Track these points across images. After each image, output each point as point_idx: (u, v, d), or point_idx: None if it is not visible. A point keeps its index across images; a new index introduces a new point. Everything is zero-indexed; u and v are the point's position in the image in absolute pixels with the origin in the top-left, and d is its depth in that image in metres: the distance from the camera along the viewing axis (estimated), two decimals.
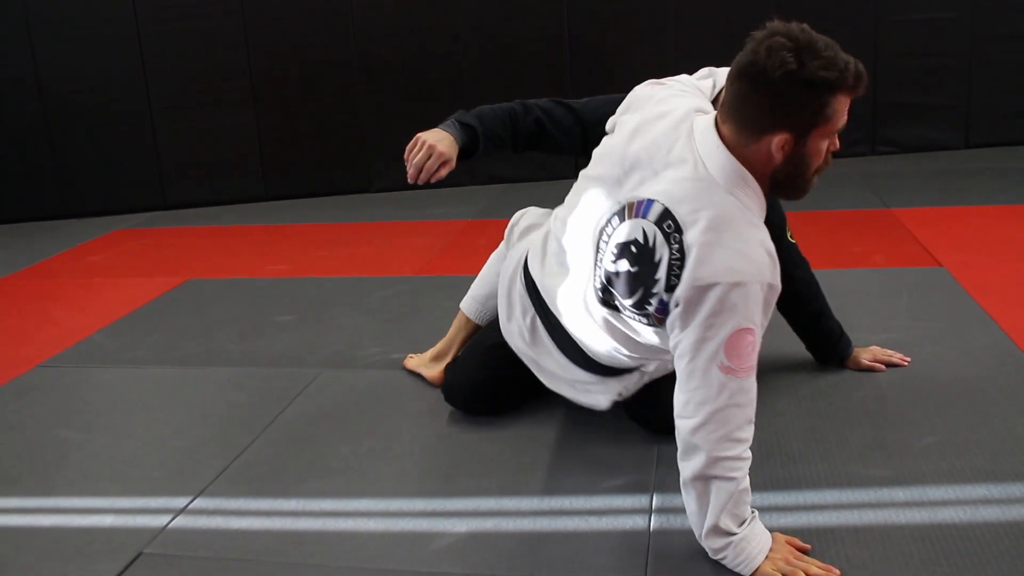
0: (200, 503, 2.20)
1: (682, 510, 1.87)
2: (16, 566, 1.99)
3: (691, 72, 2.26)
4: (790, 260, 2.42)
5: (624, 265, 1.84)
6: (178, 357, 3.23)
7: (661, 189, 1.81)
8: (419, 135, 2.36)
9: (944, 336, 2.89)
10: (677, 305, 1.73)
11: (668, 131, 1.90)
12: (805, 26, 1.75)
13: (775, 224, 2.45)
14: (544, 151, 2.53)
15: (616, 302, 1.93)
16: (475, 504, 2.10)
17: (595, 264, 1.97)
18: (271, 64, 5.84)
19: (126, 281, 4.32)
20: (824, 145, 1.79)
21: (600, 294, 1.98)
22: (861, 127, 5.91)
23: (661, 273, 1.75)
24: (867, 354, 2.71)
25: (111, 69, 5.76)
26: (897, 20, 5.82)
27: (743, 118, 1.76)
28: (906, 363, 2.71)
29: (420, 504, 2.13)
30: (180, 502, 2.20)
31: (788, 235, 2.52)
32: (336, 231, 5.12)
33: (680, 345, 1.75)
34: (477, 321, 2.72)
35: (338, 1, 5.78)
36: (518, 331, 2.35)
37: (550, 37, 5.84)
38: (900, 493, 2.03)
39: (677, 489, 1.83)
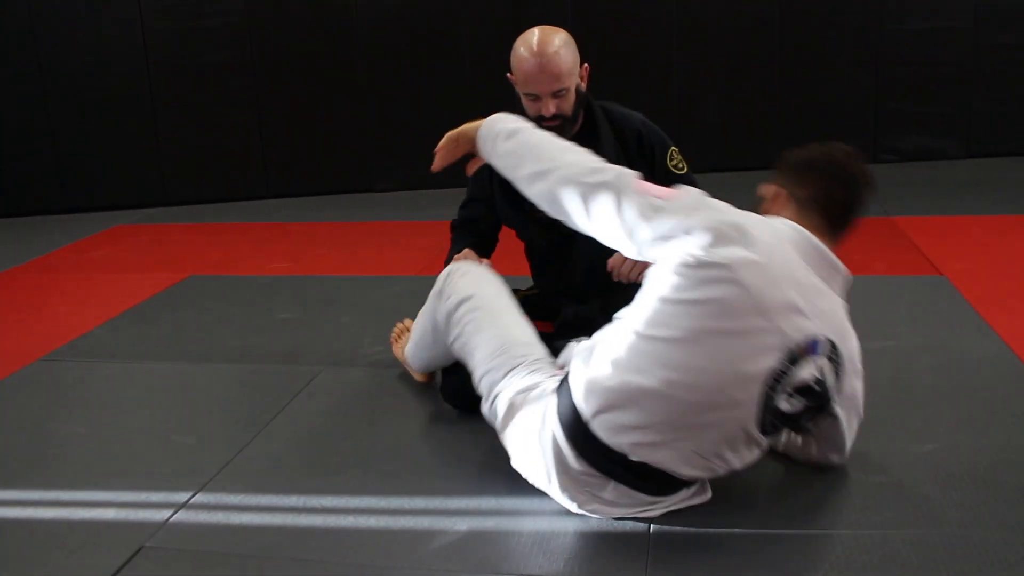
0: (201, 498, 2.21)
1: (681, 511, 1.89)
2: (18, 559, 2.00)
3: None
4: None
5: (801, 402, 1.89)
6: (179, 353, 3.24)
7: (820, 324, 1.84)
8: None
9: (944, 344, 2.90)
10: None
11: (787, 261, 1.84)
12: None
13: (648, 151, 2.58)
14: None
15: (778, 430, 1.96)
16: (476, 503, 2.11)
17: (761, 408, 1.85)
18: (274, 62, 5.86)
19: (127, 277, 4.32)
20: None
21: (762, 429, 1.89)
22: (863, 135, 5.93)
23: (831, 394, 1.93)
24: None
25: (114, 65, 5.77)
26: (899, 29, 5.84)
27: (844, 224, 2.00)
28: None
29: (420, 502, 2.13)
30: (182, 497, 2.21)
31: (670, 163, 2.58)
32: (338, 230, 5.12)
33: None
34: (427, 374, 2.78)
35: (342, 0, 5.80)
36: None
37: None
38: (899, 499, 2.03)
39: None
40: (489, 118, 2.18)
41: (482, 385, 2.17)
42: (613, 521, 1.99)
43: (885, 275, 3.69)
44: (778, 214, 1.98)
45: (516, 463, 2.08)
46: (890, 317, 3.19)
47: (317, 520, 2.08)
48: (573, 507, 1.99)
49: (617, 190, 1.88)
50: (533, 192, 2.03)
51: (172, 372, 3.08)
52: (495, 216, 2.75)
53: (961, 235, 4.24)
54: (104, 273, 4.43)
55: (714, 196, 1.92)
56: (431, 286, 2.51)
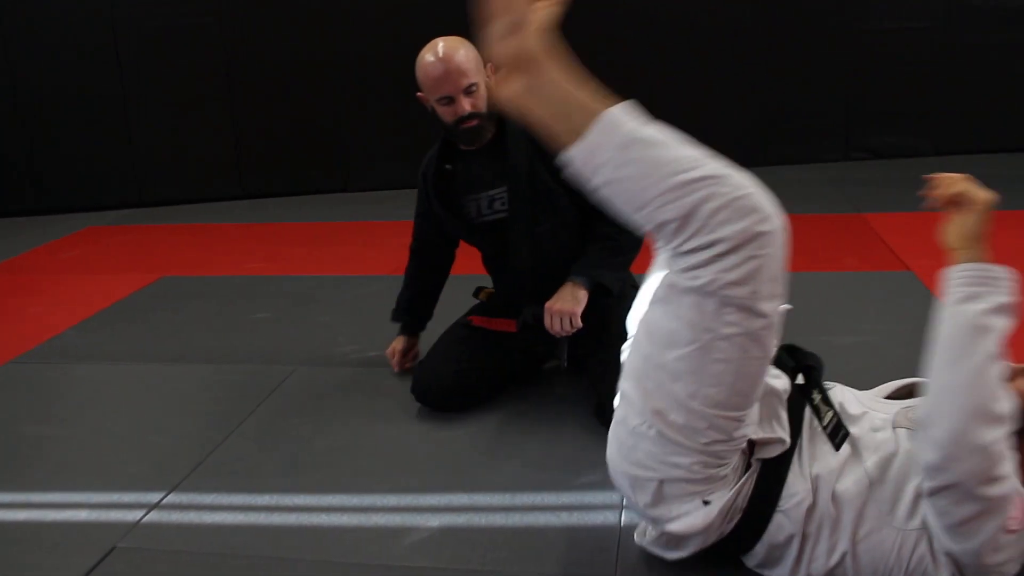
0: (174, 498, 2.21)
1: None
2: None
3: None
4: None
5: None
6: (152, 353, 3.23)
7: None
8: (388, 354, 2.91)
9: (912, 338, 2.91)
10: None
11: None
12: None
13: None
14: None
15: None
16: (447, 500, 2.12)
17: None
18: (248, 62, 5.84)
19: (100, 278, 4.30)
20: None
21: None
22: (835, 134, 5.99)
23: None
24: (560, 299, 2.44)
25: (87, 65, 5.74)
26: (871, 29, 5.89)
27: None
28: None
29: (393, 499, 2.14)
30: (154, 497, 2.21)
31: None
32: (312, 230, 5.12)
33: None
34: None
35: (315, 0, 5.79)
36: None
37: None
38: None
39: None
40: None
41: None
42: (584, 517, 2.01)
43: (856, 271, 3.74)
44: None
45: None
46: (860, 311, 3.23)
47: (291, 518, 2.09)
48: None
49: None
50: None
51: (145, 373, 3.07)
52: (442, 232, 2.76)
53: (929, 231, 4.26)
54: (77, 274, 4.41)
55: None
56: None
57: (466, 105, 2.45)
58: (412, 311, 2.91)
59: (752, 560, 1.70)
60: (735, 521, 1.64)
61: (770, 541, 1.65)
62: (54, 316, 3.68)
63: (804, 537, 1.62)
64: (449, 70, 2.43)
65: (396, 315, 2.92)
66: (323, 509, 2.12)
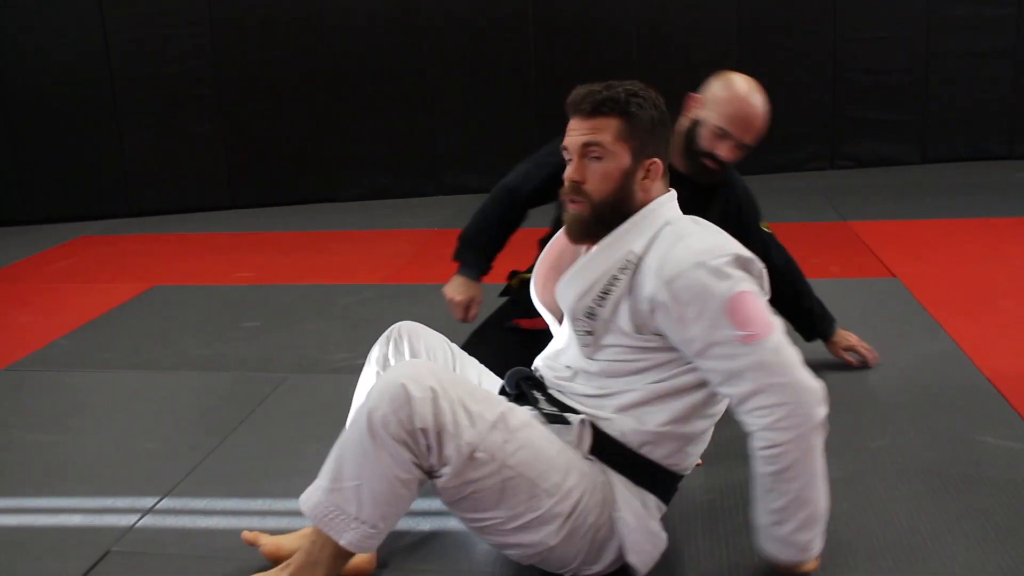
0: (168, 503, 2.23)
1: None
2: None
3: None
4: (769, 248, 2.60)
5: None
6: (144, 361, 3.25)
7: None
8: (445, 293, 2.64)
9: (896, 344, 2.98)
10: None
11: None
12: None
13: (747, 214, 2.59)
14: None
15: None
16: (437, 503, 2.13)
17: None
18: (238, 72, 5.86)
19: (91, 287, 4.32)
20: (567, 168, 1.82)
21: None
22: (821, 142, 6.05)
23: None
24: (845, 341, 2.82)
25: (77, 74, 5.75)
26: (856, 38, 5.96)
27: None
28: (872, 357, 2.82)
29: None
30: (148, 502, 2.23)
31: (762, 226, 2.66)
32: (303, 239, 5.14)
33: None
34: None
35: (304, 10, 5.82)
36: None
37: (518, 43, 5.92)
38: (850, 493, 2.10)
39: None
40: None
41: None
42: None
43: (841, 278, 3.78)
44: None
45: None
46: (845, 319, 3.25)
47: (283, 523, 2.11)
48: None
49: None
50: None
51: (137, 380, 3.09)
52: (543, 188, 2.58)
53: (914, 239, 4.35)
54: (68, 283, 4.42)
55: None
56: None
57: (731, 154, 2.44)
58: (484, 248, 2.67)
59: None
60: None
61: None
62: (45, 325, 3.69)
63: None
64: (753, 122, 2.41)
65: (463, 252, 2.69)
66: None
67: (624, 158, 1.76)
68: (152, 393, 2.97)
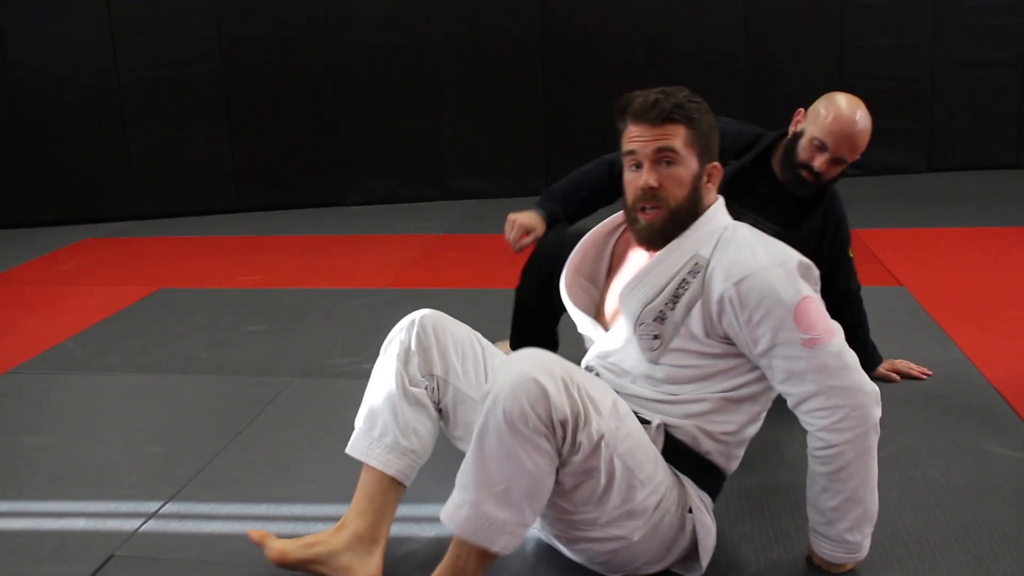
0: (172, 507, 2.22)
1: None
2: None
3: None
4: (849, 273, 2.67)
5: None
6: (150, 364, 3.25)
7: None
8: (509, 216, 2.61)
9: (903, 352, 2.96)
10: None
11: None
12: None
13: (843, 234, 2.65)
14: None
15: None
16: (439, 510, 2.13)
17: None
18: (244, 76, 5.87)
19: (97, 289, 4.32)
20: (628, 176, 1.84)
21: None
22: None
23: None
24: (887, 364, 2.81)
25: (84, 78, 5.77)
26: (862, 46, 5.96)
27: None
28: (925, 377, 2.82)
29: None
30: (152, 506, 2.22)
31: (848, 251, 2.70)
32: (308, 243, 5.14)
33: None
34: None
35: (311, 13, 5.83)
36: None
37: (523, 48, 5.93)
38: None
39: None
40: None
41: None
42: None
43: None
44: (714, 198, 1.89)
45: None
46: None
47: (287, 528, 2.10)
48: None
49: None
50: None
51: (142, 384, 3.08)
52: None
53: (921, 247, 4.33)
54: (74, 286, 4.43)
55: None
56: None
57: (826, 167, 2.46)
58: (564, 200, 2.66)
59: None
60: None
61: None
62: (51, 327, 3.69)
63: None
64: (850, 135, 2.43)
65: (544, 200, 2.67)
66: (319, 519, 2.14)
67: (693, 163, 1.80)
68: (157, 396, 2.97)
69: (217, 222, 5.78)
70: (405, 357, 1.95)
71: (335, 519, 2.10)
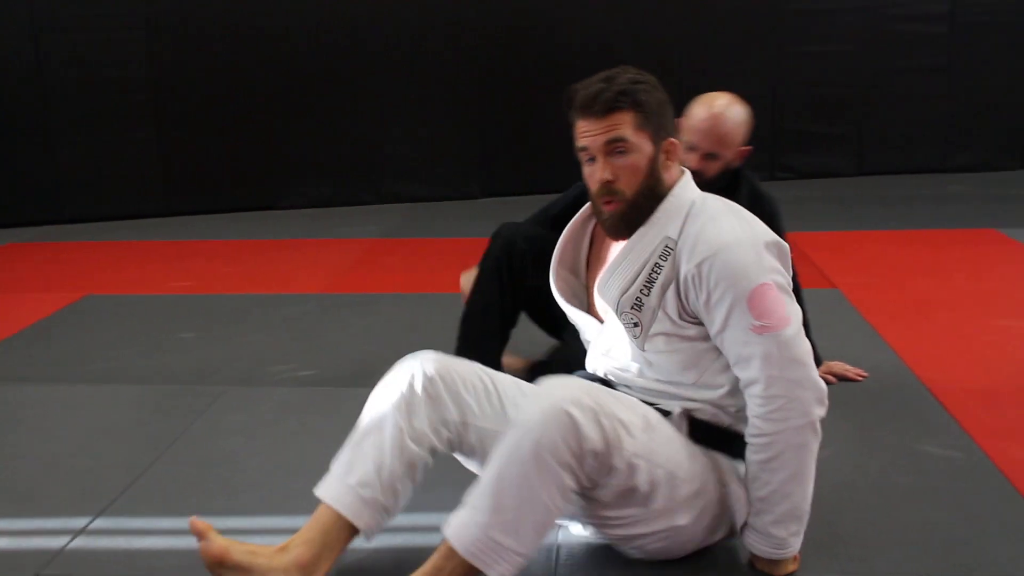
0: (100, 523, 2.15)
1: None
2: None
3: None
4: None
5: None
6: (76, 374, 3.15)
7: None
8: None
9: (838, 354, 3.00)
10: None
11: None
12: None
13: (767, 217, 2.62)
14: None
15: None
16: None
17: None
18: (175, 78, 5.76)
19: (20, 296, 4.19)
20: (586, 171, 1.84)
21: None
22: (761, 153, 6.10)
23: None
24: (824, 367, 2.82)
25: (5, 78, 5.60)
26: (797, 52, 6.06)
27: None
28: (861, 378, 2.84)
29: None
30: (79, 522, 2.15)
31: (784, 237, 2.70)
32: (242, 248, 5.06)
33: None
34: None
35: (243, 16, 5.75)
36: None
37: (460, 51, 5.91)
38: None
39: None
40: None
41: None
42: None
43: None
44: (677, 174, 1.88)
45: None
46: None
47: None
48: None
49: None
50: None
51: (68, 394, 2.99)
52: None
53: (853, 250, 4.41)
54: None
55: None
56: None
57: (698, 163, 2.54)
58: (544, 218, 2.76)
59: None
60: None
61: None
62: None
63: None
64: (708, 130, 2.57)
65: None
66: (257, 531, 2.08)
67: (647, 146, 1.79)
68: (84, 407, 2.88)
69: (146, 226, 5.65)
70: (408, 409, 1.84)
71: (271, 531, 2.07)
